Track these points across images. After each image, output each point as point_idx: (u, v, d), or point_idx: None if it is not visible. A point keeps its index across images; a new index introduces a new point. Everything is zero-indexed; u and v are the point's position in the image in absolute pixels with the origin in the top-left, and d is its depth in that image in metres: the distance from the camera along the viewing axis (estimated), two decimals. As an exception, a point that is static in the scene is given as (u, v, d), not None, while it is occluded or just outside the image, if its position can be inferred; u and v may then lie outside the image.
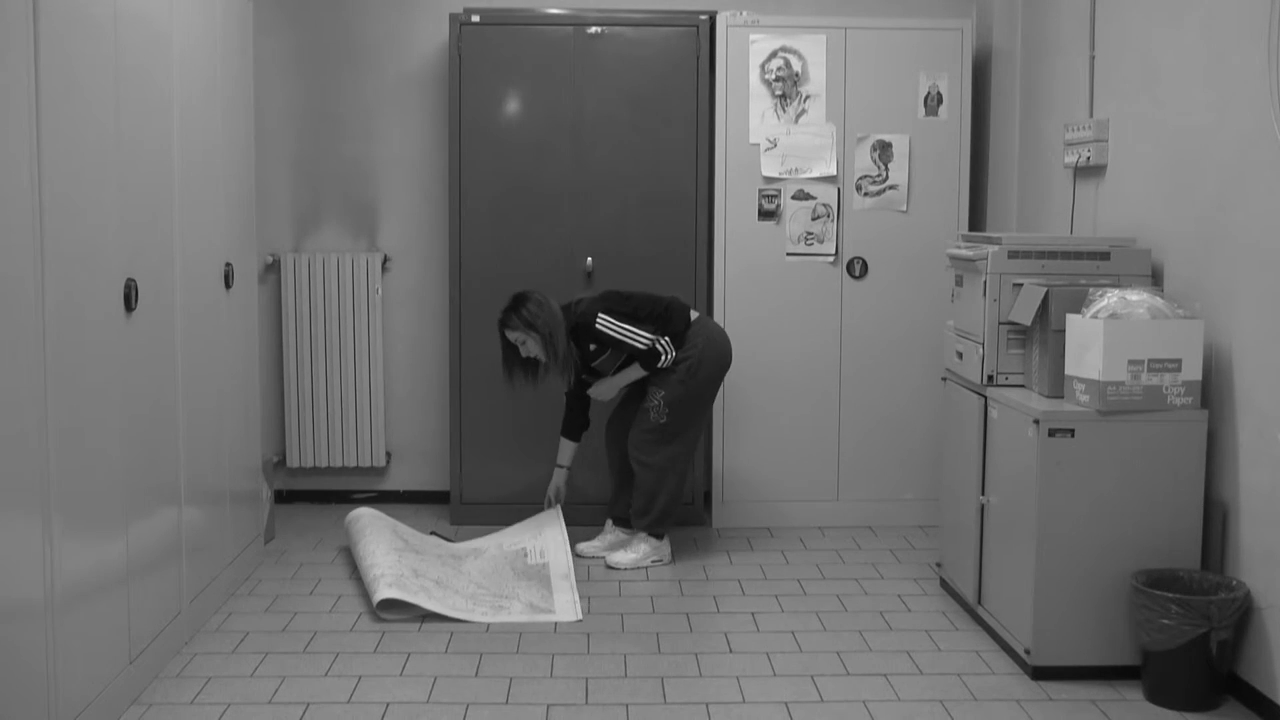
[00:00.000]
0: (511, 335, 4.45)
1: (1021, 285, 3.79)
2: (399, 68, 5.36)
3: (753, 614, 4.09)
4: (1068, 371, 3.58)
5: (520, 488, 5.15)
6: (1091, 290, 3.58)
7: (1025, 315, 3.73)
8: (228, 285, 4.18)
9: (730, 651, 3.78)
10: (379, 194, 5.41)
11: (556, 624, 3.97)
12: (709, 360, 4.54)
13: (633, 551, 4.61)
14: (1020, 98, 4.95)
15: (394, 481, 5.53)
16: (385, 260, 5.39)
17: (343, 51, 5.35)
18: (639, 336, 4.44)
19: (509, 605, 4.10)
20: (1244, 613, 3.30)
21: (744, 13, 5.02)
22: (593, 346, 4.51)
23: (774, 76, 5.02)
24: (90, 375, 3.06)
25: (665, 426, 4.52)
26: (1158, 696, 3.37)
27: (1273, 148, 3.19)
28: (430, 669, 3.60)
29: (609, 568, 4.59)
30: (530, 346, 4.44)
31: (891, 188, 5.07)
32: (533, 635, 3.88)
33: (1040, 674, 3.53)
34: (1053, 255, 3.82)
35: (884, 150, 5.06)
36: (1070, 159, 4.36)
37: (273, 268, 5.34)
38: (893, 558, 4.75)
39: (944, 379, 4.29)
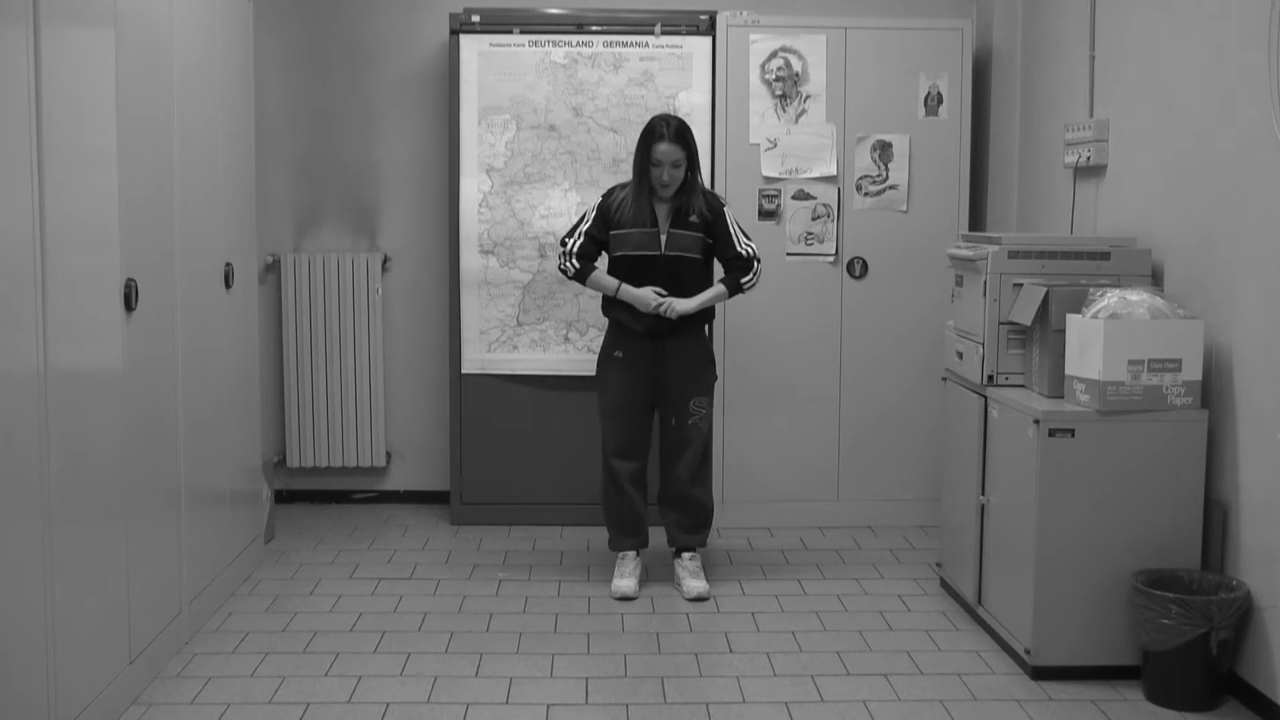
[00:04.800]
0: (673, 150, 4.12)
1: (1021, 285, 3.79)
2: (399, 68, 5.35)
3: (753, 614, 4.09)
4: (1068, 371, 3.58)
5: (520, 487, 5.15)
6: (1091, 290, 3.58)
7: (1025, 315, 3.73)
8: (228, 285, 4.17)
9: (730, 651, 3.77)
10: (379, 194, 5.41)
11: (557, 618, 3.98)
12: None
13: (703, 579, 4.29)
14: (1020, 98, 4.95)
15: (394, 481, 5.53)
16: (385, 260, 5.39)
17: (343, 51, 5.35)
18: (748, 241, 4.30)
19: None
20: (1244, 613, 3.30)
21: (744, 13, 5.02)
22: (693, 218, 4.20)
23: (774, 76, 5.02)
24: (90, 375, 3.06)
25: (709, 435, 4.38)
26: (1158, 696, 3.37)
27: (1273, 148, 3.19)
28: (430, 669, 3.60)
29: (696, 599, 4.20)
30: (676, 172, 4.13)
31: (891, 188, 5.07)
32: (532, 635, 3.89)
33: (1040, 674, 3.53)
34: (1053, 255, 3.82)
35: (884, 150, 5.06)
36: (1070, 159, 4.36)
37: (273, 268, 5.34)
38: (893, 558, 4.75)
39: (944, 379, 4.29)
